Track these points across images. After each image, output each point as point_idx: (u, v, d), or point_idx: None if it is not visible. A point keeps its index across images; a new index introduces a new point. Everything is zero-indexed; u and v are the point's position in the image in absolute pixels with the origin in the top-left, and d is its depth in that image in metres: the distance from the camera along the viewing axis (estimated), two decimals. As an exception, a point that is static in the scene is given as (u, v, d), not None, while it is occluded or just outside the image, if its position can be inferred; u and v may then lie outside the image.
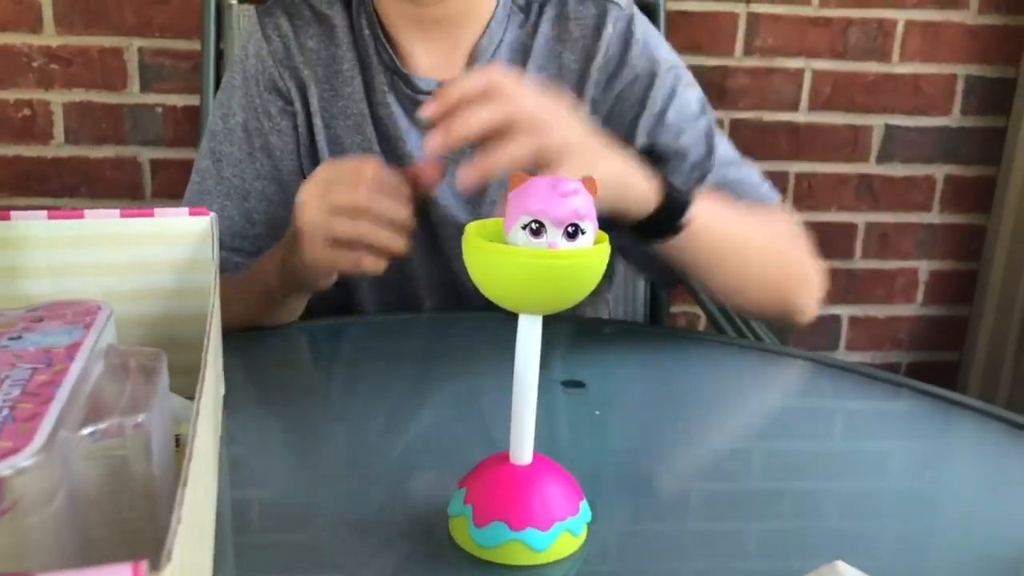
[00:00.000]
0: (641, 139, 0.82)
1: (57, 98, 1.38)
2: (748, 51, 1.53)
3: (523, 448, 0.45)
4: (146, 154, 1.43)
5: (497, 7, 0.84)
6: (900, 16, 1.54)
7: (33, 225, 0.55)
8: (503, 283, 0.41)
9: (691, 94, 0.85)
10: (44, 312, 0.35)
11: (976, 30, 1.56)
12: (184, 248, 0.58)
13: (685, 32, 1.47)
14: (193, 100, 1.40)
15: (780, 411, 0.71)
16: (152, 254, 0.58)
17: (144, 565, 0.19)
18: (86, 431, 0.25)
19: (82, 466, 0.26)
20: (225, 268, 0.80)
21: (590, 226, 0.41)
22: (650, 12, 1.25)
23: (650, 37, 0.85)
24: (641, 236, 0.70)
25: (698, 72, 0.90)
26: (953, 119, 1.61)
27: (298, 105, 0.85)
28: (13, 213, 0.55)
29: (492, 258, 0.41)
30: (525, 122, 0.60)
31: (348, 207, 0.64)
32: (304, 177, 0.85)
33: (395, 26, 0.85)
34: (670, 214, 0.68)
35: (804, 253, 0.82)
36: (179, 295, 0.58)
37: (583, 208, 0.40)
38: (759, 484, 0.56)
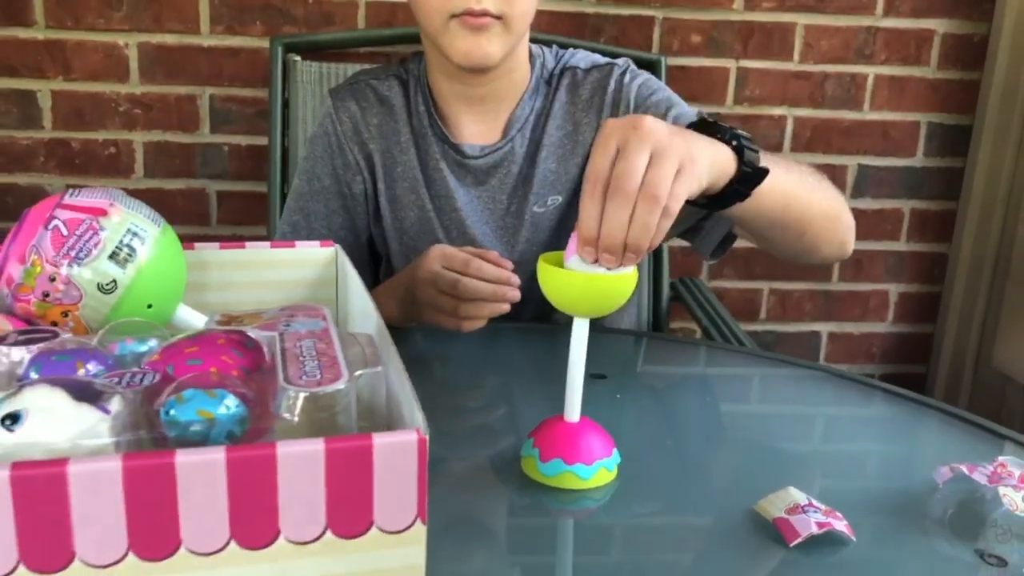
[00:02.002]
0: None
1: (139, 138, 1.57)
2: (738, 100, 1.69)
3: (574, 410, 0.65)
4: (213, 187, 1.62)
5: (530, 84, 1.02)
6: (870, 71, 1.70)
7: (208, 253, 0.75)
8: (567, 296, 0.61)
9: (687, 110, 1.01)
10: (290, 311, 0.55)
11: (936, 83, 1.72)
12: (314, 270, 0.78)
13: (683, 84, 1.64)
14: (255, 140, 1.59)
15: (757, 394, 0.91)
16: (292, 275, 0.78)
17: (422, 431, 0.39)
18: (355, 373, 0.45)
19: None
20: None
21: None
22: (653, 67, 1.46)
23: (647, 78, 1.02)
24: (719, 204, 0.72)
25: (694, 119, 1.08)
26: (917, 160, 1.76)
27: (366, 173, 1.04)
28: (196, 244, 0.75)
29: (560, 279, 0.61)
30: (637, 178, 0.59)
31: (451, 288, 0.84)
32: (371, 230, 1.06)
33: (446, 101, 1.02)
34: (745, 176, 0.71)
35: (841, 200, 0.89)
36: (310, 302, 0.78)
37: None
38: (744, 442, 0.77)
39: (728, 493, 0.67)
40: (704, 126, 0.72)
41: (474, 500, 0.64)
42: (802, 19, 1.66)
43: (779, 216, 0.81)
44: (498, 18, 0.90)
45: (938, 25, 1.69)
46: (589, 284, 0.60)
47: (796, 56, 1.68)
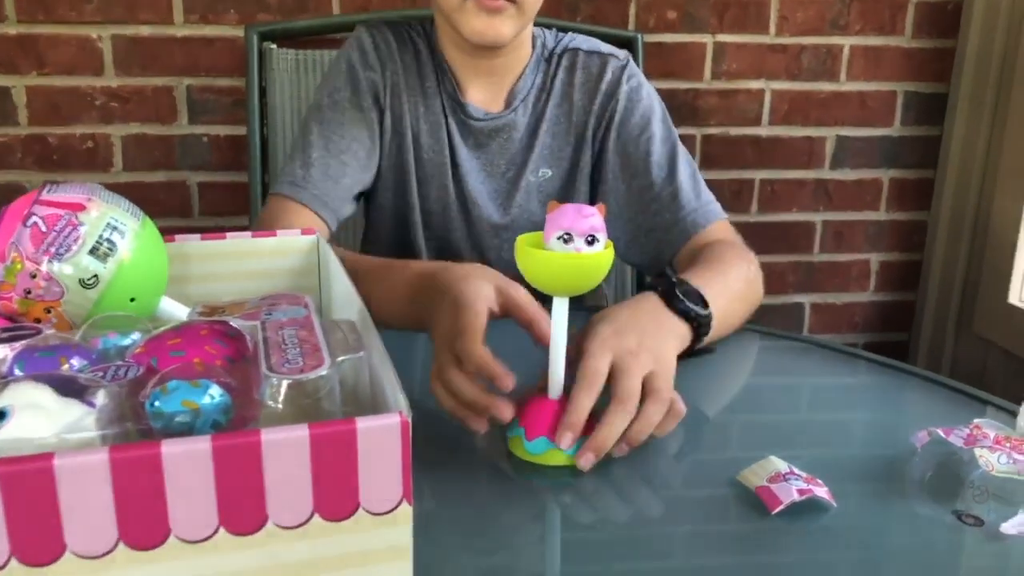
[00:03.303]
0: (654, 169, 1.03)
1: (116, 131, 1.57)
2: (715, 75, 1.70)
3: (557, 388, 0.66)
4: (194, 178, 1.61)
5: (530, 59, 1.07)
6: (846, 42, 1.71)
7: (190, 245, 0.75)
8: (545, 276, 0.62)
9: (658, 129, 1.06)
10: (271, 300, 0.56)
11: (911, 52, 1.73)
12: (296, 257, 0.78)
13: (660, 61, 1.65)
14: (234, 130, 1.59)
15: (743, 367, 0.93)
16: (274, 264, 0.78)
17: (404, 414, 0.40)
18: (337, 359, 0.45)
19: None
20: (308, 202, 0.99)
21: (603, 236, 0.61)
22: (630, 45, 1.46)
23: (640, 84, 1.08)
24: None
25: (672, 94, 1.10)
26: (895, 129, 1.77)
27: (388, 102, 1.06)
28: (177, 236, 0.75)
29: (538, 259, 0.61)
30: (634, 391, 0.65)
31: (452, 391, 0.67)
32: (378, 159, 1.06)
33: (455, 66, 1.07)
34: (699, 334, 0.79)
35: (754, 273, 0.93)
36: (293, 290, 0.78)
37: (598, 225, 0.61)
38: (729, 414, 0.78)
39: (712, 464, 0.68)
40: (668, 296, 0.78)
41: (460, 479, 0.65)
42: (777, -8, 1.67)
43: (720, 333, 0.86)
44: (512, 1, 0.95)
45: (912, -6, 1.70)
46: (567, 263, 0.61)
47: (772, 29, 1.69)
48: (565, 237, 0.60)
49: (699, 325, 0.78)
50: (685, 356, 0.77)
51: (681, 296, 0.78)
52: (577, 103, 1.08)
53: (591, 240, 0.60)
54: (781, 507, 0.57)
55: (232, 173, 1.61)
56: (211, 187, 1.62)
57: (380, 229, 1.13)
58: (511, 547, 0.58)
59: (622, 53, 1.10)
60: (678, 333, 0.77)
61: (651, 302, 0.77)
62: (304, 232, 0.78)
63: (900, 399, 0.84)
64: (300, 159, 1.02)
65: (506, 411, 0.64)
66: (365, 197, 1.12)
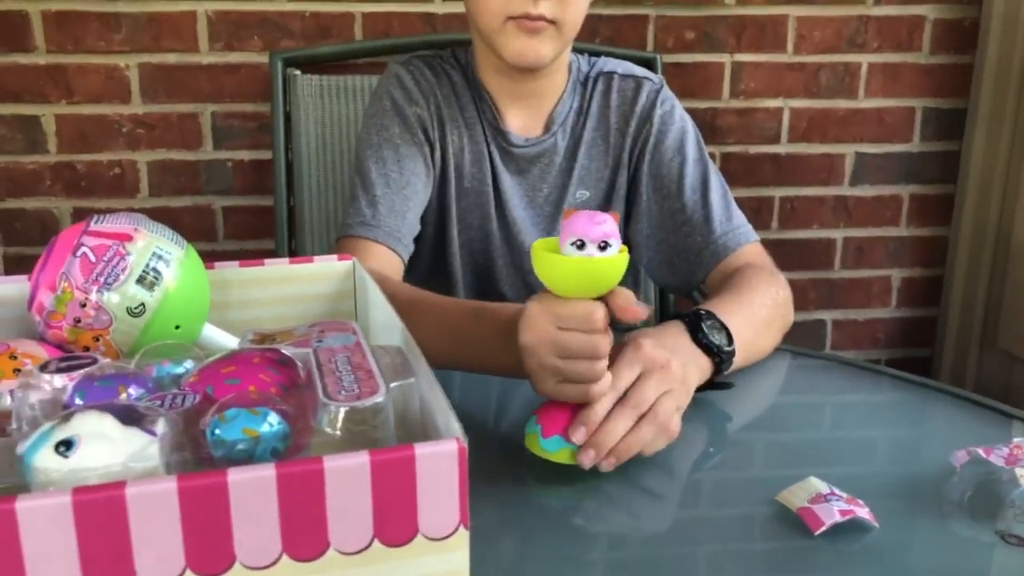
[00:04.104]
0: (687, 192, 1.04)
1: (143, 157, 1.59)
2: (734, 94, 1.71)
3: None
4: (219, 202, 1.63)
5: (567, 83, 1.08)
6: (863, 59, 1.71)
7: (229, 271, 0.76)
8: (561, 279, 0.64)
9: (692, 151, 1.07)
10: (320, 327, 0.57)
11: (929, 68, 1.74)
12: (332, 283, 0.79)
13: (680, 80, 1.66)
14: (258, 154, 1.61)
15: (769, 385, 0.93)
16: (310, 289, 0.79)
17: (461, 440, 0.41)
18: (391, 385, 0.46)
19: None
20: (383, 240, 0.98)
21: (615, 242, 0.63)
22: (649, 65, 1.47)
23: (673, 107, 1.09)
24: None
25: (692, 113, 1.11)
26: (914, 145, 1.77)
27: (436, 135, 1.06)
28: (216, 264, 0.76)
29: (554, 263, 0.63)
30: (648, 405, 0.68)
31: (583, 353, 0.65)
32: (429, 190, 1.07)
33: (493, 93, 1.07)
34: (719, 369, 0.80)
35: (784, 297, 0.93)
36: (329, 316, 0.79)
37: (610, 231, 0.63)
38: (759, 433, 0.78)
39: (750, 484, 0.68)
40: (693, 328, 0.79)
41: (475, 475, 0.66)
42: (794, 11, 1.68)
43: (747, 361, 0.87)
44: (552, 22, 0.96)
45: (928, 11, 1.71)
46: (582, 268, 0.63)
47: (790, 48, 1.70)
48: (579, 243, 0.62)
49: (720, 360, 0.79)
50: (703, 389, 0.79)
51: (706, 330, 0.79)
52: (613, 125, 1.09)
53: (604, 246, 0.62)
54: (824, 528, 0.58)
55: (256, 197, 1.63)
56: (235, 211, 1.64)
57: (420, 259, 1.12)
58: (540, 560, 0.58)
59: (656, 77, 1.11)
60: (699, 365, 0.78)
61: (678, 330, 0.79)
62: (340, 258, 0.79)
63: (928, 416, 0.84)
64: (365, 199, 1.02)
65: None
66: None
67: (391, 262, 0.99)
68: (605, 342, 0.65)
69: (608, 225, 0.63)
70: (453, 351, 0.79)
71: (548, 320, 0.65)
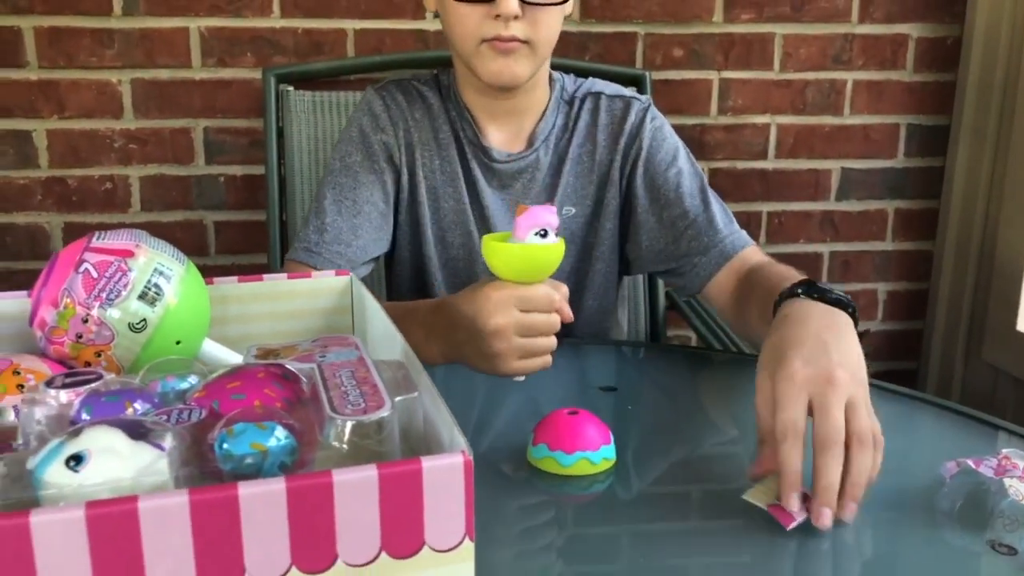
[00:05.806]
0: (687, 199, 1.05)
1: (134, 172, 1.59)
2: (722, 111, 1.73)
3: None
4: (210, 217, 1.64)
5: (549, 101, 1.10)
6: (849, 76, 1.74)
7: (227, 287, 0.77)
8: (518, 266, 0.75)
9: (685, 165, 1.09)
10: (323, 342, 0.58)
11: (913, 86, 1.76)
12: (330, 298, 0.80)
13: (668, 98, 1.68)
14: (251, 170, 1.61)
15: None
16: (308, 304, 0.80)
17: (467, 453, 0.41)
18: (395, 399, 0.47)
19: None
20: (322, 266, 1.01)
21: (552, 231, 0.73)
22: (638, 83, 1.49)
23: (662, 124, 1.11)
24: None
25: (679, 130, 1.13)
26: (898, 161, 1.80)
27: (404, 160, 1.08)
28: (215, 279, 0.77)
29: (501, 250, 0.75)
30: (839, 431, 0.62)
31: (545, 330, 0.78)
32: (393, 216, 1.09)
33: (475, 111, 1.09)
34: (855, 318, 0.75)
35: None
36: (327, 330, 0.80)
37: (548, 221, 0.72)
38: (745, 443, 0.79)
39: (725, 488, 0.69)
40: (819, 293, 0.75)
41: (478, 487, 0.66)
42: (780, 29, 1.70)
43: None
44: (525, 42, 0.98)
45: (912, 30, 1.74)
46: (537, 254, 0.74)
47: (776, 65, 1.72)
48: (542, 232, 0.73)
49: (853, 309, 0.75)
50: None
51: (824, 288, 0.76)
52: (601, 144, 1.10)
53: (544, 234, 0.73)
54: (796, 523, 0.59)
55: (247, 212, 1.63)
56: (227, 226, 1.64)
57: (401, 282, 1.15)
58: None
59: (644, 97, 1.13)
60: (850, 325, 0.72)
61: (809, 308, 0.73)
62: (338, 274, 0.79)
63: (916, 427, 0.85)
64: (314, 224, 1.05)
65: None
66: (386, 254, 1.14)
67: None
68: (557, 319, 0.78)
69: (545, 216, 0.73)
70: None
71: (512, 304, 0.76)
